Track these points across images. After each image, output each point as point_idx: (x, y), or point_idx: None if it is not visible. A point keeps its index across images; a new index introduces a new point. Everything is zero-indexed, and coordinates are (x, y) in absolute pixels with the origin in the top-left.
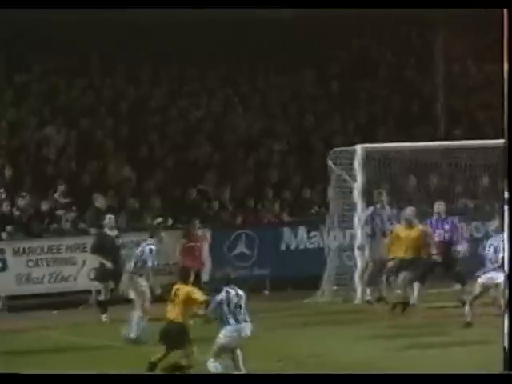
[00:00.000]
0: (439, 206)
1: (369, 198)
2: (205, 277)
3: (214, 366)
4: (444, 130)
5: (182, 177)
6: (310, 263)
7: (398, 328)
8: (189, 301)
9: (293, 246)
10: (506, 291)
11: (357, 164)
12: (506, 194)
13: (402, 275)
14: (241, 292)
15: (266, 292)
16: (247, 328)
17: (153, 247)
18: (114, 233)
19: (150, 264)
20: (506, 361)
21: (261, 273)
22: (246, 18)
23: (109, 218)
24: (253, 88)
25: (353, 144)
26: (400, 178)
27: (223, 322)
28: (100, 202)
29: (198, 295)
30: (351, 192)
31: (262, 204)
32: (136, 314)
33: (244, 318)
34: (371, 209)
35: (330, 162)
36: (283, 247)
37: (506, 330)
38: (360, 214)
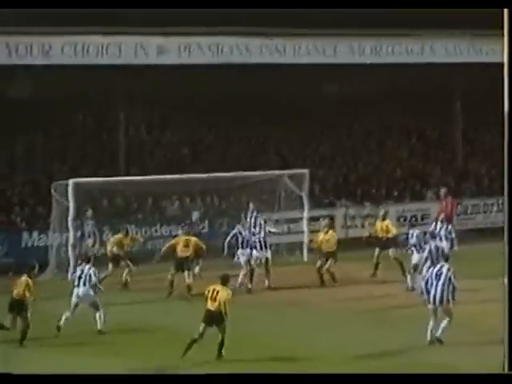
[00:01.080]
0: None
1: (80, 215)
2: None
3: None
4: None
5: None
6: (40, 255)
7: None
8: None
9: (29, 244)
10: (506, 293)
11: (70, 191)
12: (506, 195)
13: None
14: (86, 269)
15: (11, 274)
16: (82, 290)
17: None
18: None
19: None
20: (506, 361)
21: (7, 261)
22: None
23: None
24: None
25: (68, 178)
26: (98, 201)
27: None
28: None
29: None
30: (68, 209)
31: (8, 217)
32: None
33: (82, 284)
34: (82, 221)
35: (53, 191)
36: (22, 244)
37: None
38: (72, 223)
